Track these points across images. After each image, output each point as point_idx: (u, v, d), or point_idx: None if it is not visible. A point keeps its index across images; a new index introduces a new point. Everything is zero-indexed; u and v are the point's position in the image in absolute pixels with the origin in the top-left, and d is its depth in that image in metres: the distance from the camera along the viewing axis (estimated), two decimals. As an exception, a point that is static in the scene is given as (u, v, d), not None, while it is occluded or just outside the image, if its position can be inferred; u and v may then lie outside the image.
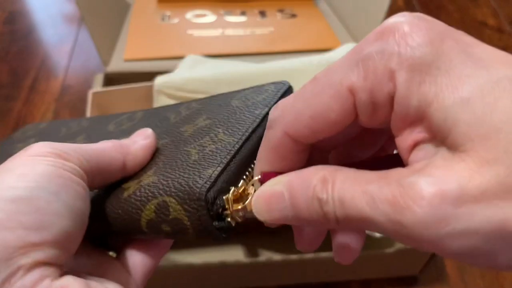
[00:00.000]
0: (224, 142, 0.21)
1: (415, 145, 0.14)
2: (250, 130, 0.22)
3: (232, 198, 0.18)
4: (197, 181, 0.19)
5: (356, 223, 0.14)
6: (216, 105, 0.25)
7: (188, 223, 0.19)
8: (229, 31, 0.71)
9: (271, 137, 0.17)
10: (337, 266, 0.47)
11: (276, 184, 0.16)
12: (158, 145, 0.24)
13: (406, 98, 0.14)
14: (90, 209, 0.20)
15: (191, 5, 0.77)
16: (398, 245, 0.44)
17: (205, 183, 0.18)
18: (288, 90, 0.25)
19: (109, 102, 0.57)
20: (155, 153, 0.23)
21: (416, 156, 0.14)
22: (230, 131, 0.22)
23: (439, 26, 0.14)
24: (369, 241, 0.46)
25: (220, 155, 0.20)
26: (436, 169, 0.13)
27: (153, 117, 0.28)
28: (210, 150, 0.21)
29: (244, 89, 0.26)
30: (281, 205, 0.16)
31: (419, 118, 0.14)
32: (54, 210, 0.17)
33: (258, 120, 0.22)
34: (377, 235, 0.43)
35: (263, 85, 0.25)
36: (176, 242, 0.23)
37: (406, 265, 0.48)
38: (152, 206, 0.20)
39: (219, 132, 0.22)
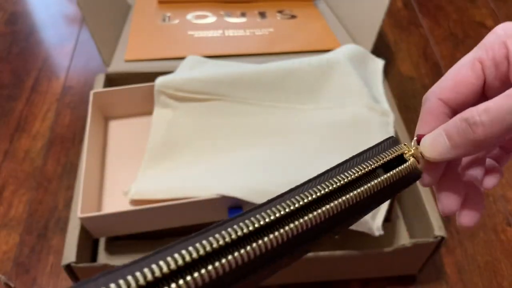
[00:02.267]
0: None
1: None
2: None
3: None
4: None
5: (500, 126, 0.19)
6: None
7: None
8: (229, 32, 0.72)
9: (427, 105, 0.24)
10: (337, 266, 0.48)
11: (435, 131, 0.23)
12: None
13: None
14: None
15: (192, 6, 0.78)
16: (397, 244, 0.45)
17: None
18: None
19: (110, 102, 0.58)
20: None
21: None
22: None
23: None
24: (368, 240, 0.46)
25: None
26: None
27: None
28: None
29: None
30: (440, 139, 0.22)
31: None
32: None
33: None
34: (377, 234, 0.44)
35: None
36: None
37: (405, 264, 0.49)
38: None
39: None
